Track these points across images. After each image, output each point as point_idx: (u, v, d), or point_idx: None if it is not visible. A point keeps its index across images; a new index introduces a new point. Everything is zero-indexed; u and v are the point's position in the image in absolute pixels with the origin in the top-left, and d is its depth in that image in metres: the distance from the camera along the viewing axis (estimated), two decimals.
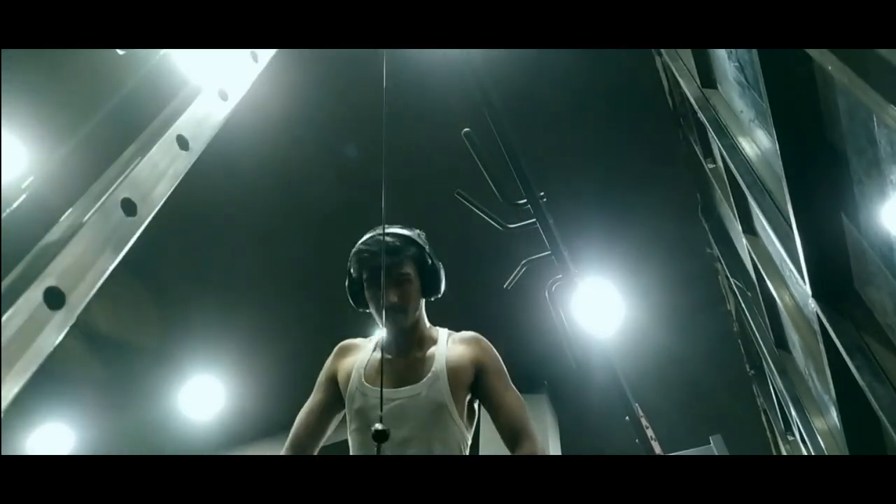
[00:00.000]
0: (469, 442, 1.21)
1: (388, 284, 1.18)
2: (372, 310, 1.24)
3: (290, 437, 1.23)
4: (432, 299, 1.29)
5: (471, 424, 1.23)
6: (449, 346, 1.24)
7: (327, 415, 1.25)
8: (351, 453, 1.19)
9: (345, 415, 1.23)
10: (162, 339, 4.16)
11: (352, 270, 1.25)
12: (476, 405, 1.26)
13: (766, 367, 3.31)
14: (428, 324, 1.29)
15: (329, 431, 1.25)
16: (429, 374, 1.17)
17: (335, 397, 1.24)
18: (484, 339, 1.28)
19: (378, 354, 1.22)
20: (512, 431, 1.17)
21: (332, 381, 1.26)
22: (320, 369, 1.30)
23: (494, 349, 1.28)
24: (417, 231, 1.28)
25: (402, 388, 1.16)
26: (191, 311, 4.07)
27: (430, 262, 1.25)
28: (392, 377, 1.17)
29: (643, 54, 3.11)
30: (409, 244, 1.23)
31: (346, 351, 1.29)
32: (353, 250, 1.25)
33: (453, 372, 1.19)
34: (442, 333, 1.28)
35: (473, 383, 1.21)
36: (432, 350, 1.22)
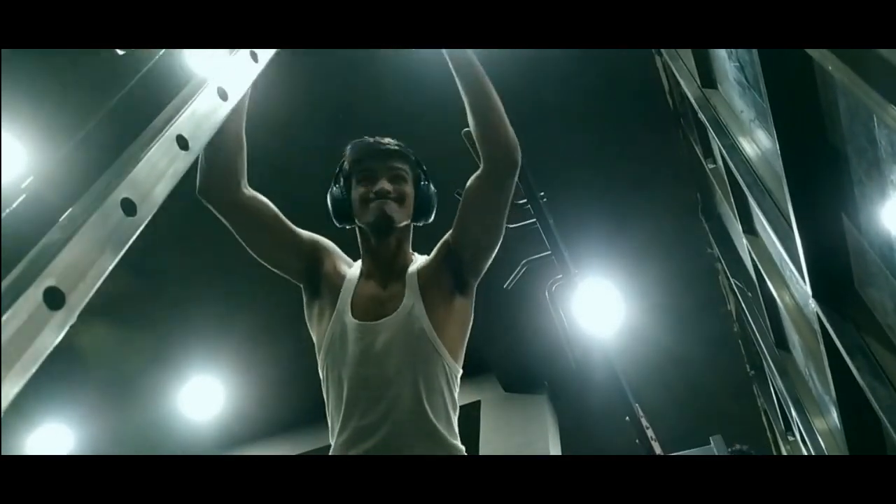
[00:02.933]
0: (459, 372, 1.08)
1: (384, 173, 1.09)
2: (358, 208, 1.10)
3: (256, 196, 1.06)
4: (420, 223, 1.18)
5: (461, 342, 1.09)
6: (422, 262, 1.13)
7: (287, 237, 1.10)
8: (325, 385, 1.08)
9: (290, 264, 1.11)
10: (161, 340, 4.16)
11: (340, 174, 1.14)
12: (472, 290, 1.12)
13: (767, 367, 3.31)
14: (410, 250, 1.17)
15: (267, 236, 1.09)
16: (404, 300, 1.07)
17: (303, 255, 1.11)
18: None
19: (361, 280, 1.11)
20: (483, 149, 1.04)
21: (316, 254, 1.13)
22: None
23: None
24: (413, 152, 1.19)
25: (382, 321, 1.05)
26: (191, 312, 4.07)
27: (424, 180, 1.15)
28: (372, 307, 1.07)
29: (643, 54, 3.11)
30: (408, 152, 1.15)
31: (341, 258, 1.17)
32: (349, 145, 1.14)
33: (426, 282, 1.08)
34: (419, 257, 1.17)
35: (451, 265, 1.09)
36: (408, 272, 1.11)
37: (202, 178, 1.02)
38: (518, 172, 1.08)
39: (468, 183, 1.09)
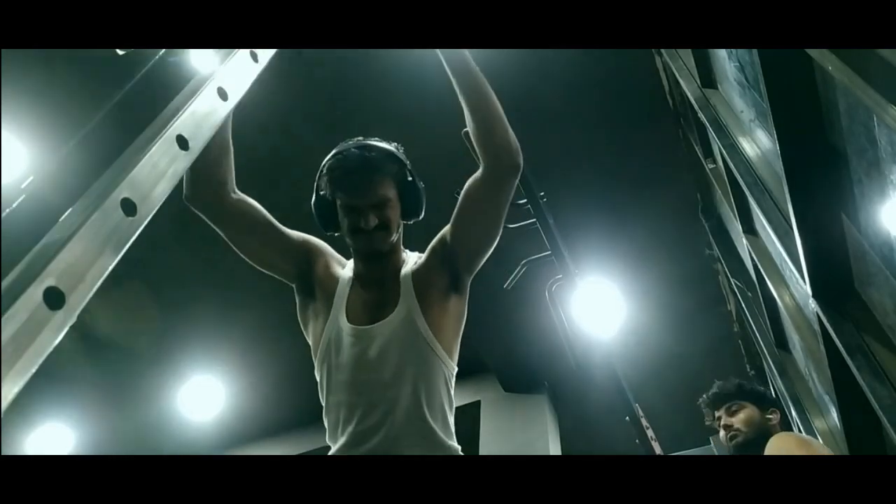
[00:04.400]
0: (454, 371, 1.08)
1: (367, 207, 1.04)
2: (346, 234, 1.08)
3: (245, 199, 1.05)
4: (411, 222, 1.15)
5: (455, 338, 1.09)
6: (416, 262, 1.11)
7: (276, 242, 1.08)
8: (322, 390, 1.07)
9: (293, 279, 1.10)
10: (161, 340, 4.16)
11: (321, 189, 1.09)
12: (467, 287, 1.12)
13: (767, 367, 3.31)
14: (402, 249, 1.15)
15: (256, 241, 1.07)
16: (399, 303, 1.05)
17: (294, 257, 1.09)
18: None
19: (355, 284, 1.10)
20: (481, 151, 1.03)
21: (307, 255, 1.11)
22: None
23: None
24: (395, 144, 1.12)
25: (377, 324, 1.04)
26: (190, 312, 4.06)
27: (410, 178, 1.10)
28: (368, 310, 1.06)
29: (643, 54, 3.11)
30: (389, 160, 1.07)
31: (333, 258, 1.15)
32: (325, 165, 1.08)
33: (421, 284, 1.06)
34: (411, 255, 1.15)
35: (447, 264, 1.08)
36: (402, 273, 1.10)
37: (188, 183, 1.00)
38: (518, 174, 1.07)
39: (468, 183, 1.08)
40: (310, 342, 1.13)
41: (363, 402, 1.01)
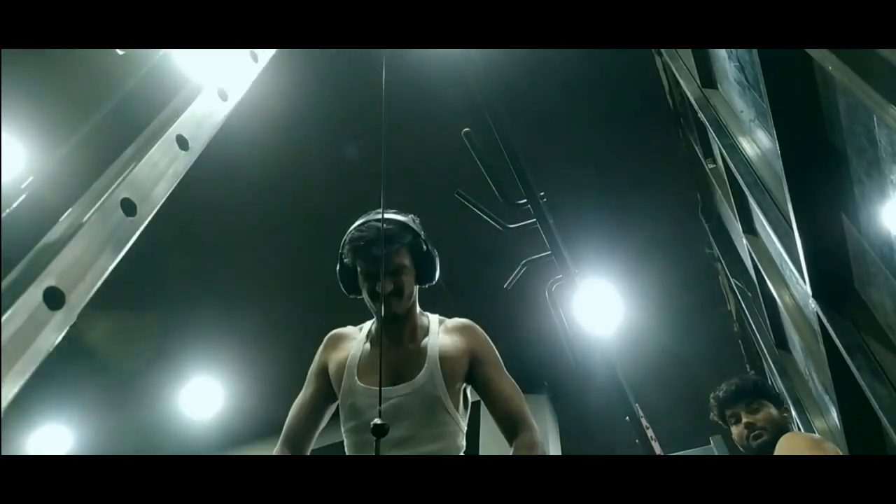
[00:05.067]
0: (465, 431, 1.20)
1: (384, 274, 1.16)
2: (365, 297, 1.20)
3: (285, 430, 1.22)
4: (426, 286, 1.26)
5: (466, 412, 1.22)
6: (441, 336, 1.21)
7: (321, 406, 1.22)
8: (346, 452, 1.18)
9: (337, 409, 1.22)
10: (161, 340, 4.16)
11: (344, 257, 1.21)
12: (470, 391, 1.24)
13: (767, 367, 3.31)
14: (419, 311, 1.26)
15: (323, 424, 1.23)
16: (423, 370, 1.15)
17: (327, 389, 1.22)
18: (476, 326, 1.26)
19: (370, 346, 1.20)
20: (509, 420, 1.16)
21: (324, 373, 1.24)
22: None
23: (487, 336, 1.25)
24: (412, 216, 1.25)
25: (398, 386, 1.13)
26: (190, 312, 4.06)
27: (425, 248, 1.22)
28: (386, 373, 1.14)
29: (643, 54, 3.11)
30: (405, 231, 1.20)
31: (336, 342, 1.26)
32: (347, 236, 1.20)
33: (447, 364, 1.17)
34: (433, 321, 1.25)
35: (468, 373, 1.20)
36: (425, 341, 1.20)
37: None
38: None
39: (489, 396, 1.19)
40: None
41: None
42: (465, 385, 1.21)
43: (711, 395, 1.67)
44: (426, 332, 1.22)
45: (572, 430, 4.68)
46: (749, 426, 1.53)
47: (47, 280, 0.40)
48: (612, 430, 3.44)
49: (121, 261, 0.44)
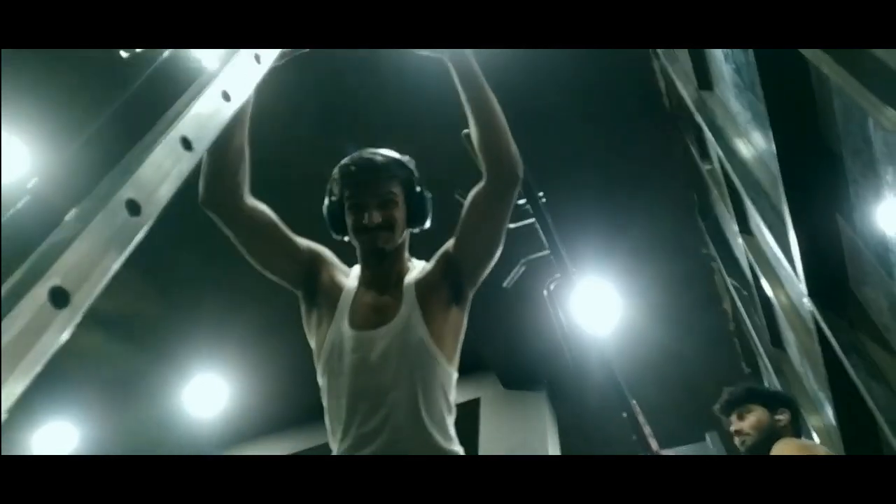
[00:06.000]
0: (455, 377, 1.10)
1: (372, 204, 1.08)
2: (350, 234, 1.12)
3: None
4: (416, 230, 1.17)
5: (456, 348, 1.11)
6: (420, 271, 1.13)
7: (286, 249, 1.10)
8: (324, 394, 1.09)
9: (294, 282, 1.12)
10: (166, 337, 4.15)
11: (333, 190, 1.14)
12: (468, 299, 1.14)
13: (763, 365, 3.33)
14: (407, 255, 1.17)
15: (271, 240, 1.09)
16: (401, 309, 1.07)
17: (301, 264, 1.11)
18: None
19: (357, 289, 1.12)
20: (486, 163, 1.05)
21: (314, 263, 1.13)
22: None
23: None
24: (408, 157, 1.17)
25: (378, 330, 1.06)
26: (194, 310, 4.06)
27: (418, 188, 1.14)
28: (369, 316, 1.08)
29: (640, 56, 3.12)
30: (397, 165, 1.13)
31: (339, 268, 1.17)
32: (338, 166, 1.14)
33: (423, 292, 1.08)
34: (417, 263, 1.17)
35: (450, 276, 1.10)
36: (406, 280, 1.11)
37: (205, 187, 1.02)
38: (519, 186, 1.10)
39: (470, 194, 1.10)
40: (313, 347, 1.14)
41: (363, 406, 1.03)
42: (457, 313, 1.11)
43: (715, 409, 1.74)
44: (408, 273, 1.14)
45: (571, 427, 4.70)
46: (737, 433, 1.61)
47: (52, 279, 0.40)
48: (609, 427, 3.45)
49: (126, 259, 0.44)
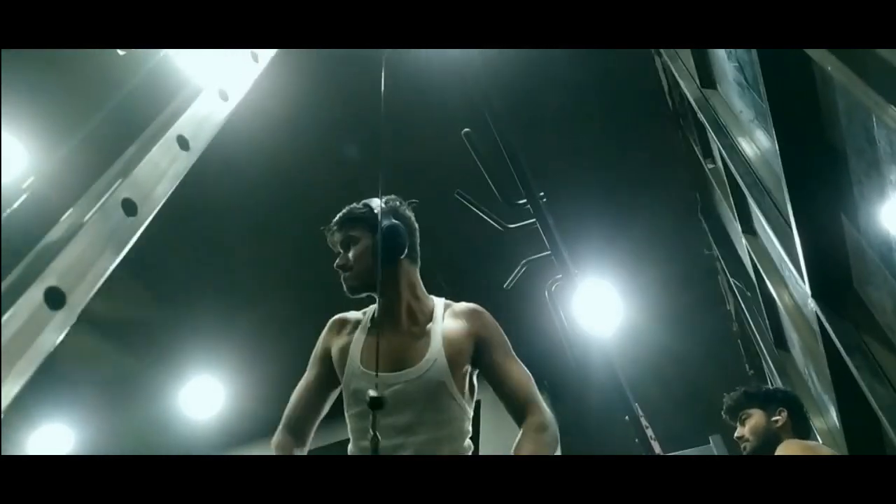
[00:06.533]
0: (471, 416, 1.18)
1: (338, 251, 1.20)
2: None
3: (286, 415, 1.19)
4: (399, 258, 1.19)
5: (472, 398, 1.19)
6: (446, 321, 1.17)
7: (323, 391, 1.20)
8: (351, 437, 1.15)
9: (341, 394, 1.20)
10: (162, 340, 4.16)
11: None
12: (476, 376, 1.21)
13: (766, 366, 3.32)
14: (421, 294, 1.21)
15: (325, 409, 1.21)
16: (426, 356, 1.12)
17: (330, 374, 1.20)
18: (483, 310, 1.22)
19: (370, 331, 1.18)
20: (518, 401, 1.14)
21: (327, 358, 1.21)
22: None
23: (494, 320, 1.23)
24: (394, 199, 1.24)
25: (401, 372, 1.10)
26: (191, 312, 4.06)
27: (385, 222, 1.18)
28: (389, 358, 1.11)
29: (643, 55, 3.11)
30: (363, 209, 1.22)
31: (340, 326, 1.24)
32: None
33: (452, 350, 1.13)
34: (438, 305, 1.21)
35: (474, 358, 1.17)
36: (429, 326, 1.16)
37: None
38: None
39: (504, 376, 1.17)
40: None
41: (387, 445, 1.05)
42: (471, 369, 1.19)
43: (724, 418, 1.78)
44: (430, 316, 1.18)
45: (572, 430, 4.68)
46: (739, 439, 1.64)
47: (48, 280, 0.40)
48: (612, 429, 3.44)
49: (122, 260, 0.44)
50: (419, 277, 1.24)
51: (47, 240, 0.43)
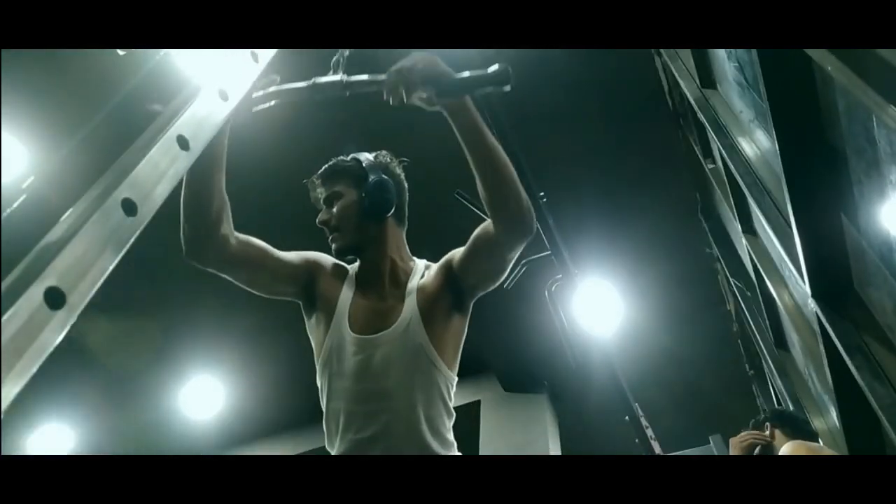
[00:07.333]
0: (454, 381, 1.09)
1: (322, 206, 1.13)
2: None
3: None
4: (386, 217, 1.12)
5: (456, 356, 1.10)
6: (424, 278, 1.11)
7: (281, 268, 1.09)
8: (322, 394, 1.08)
9: (304, 308, 1.13)
10: (162, 339, 4.16)
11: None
12: (469, 308, 1.12)
13: (766, 367, 3.32)
14: (406, 256, 1.14)
15: (264, 261, 1.08)
16: (402, 315, 1.06)
17: (299, 276, 1.10)
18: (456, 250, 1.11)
19: (353, 291, 1.11)
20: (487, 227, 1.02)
21: (311, 271, 1.12)
22: None
23: None
24: (378, 153, 1.16)
25: (380, 335, 1.05)
26: (191, 311, 4.07)
27: (370, 176, 1.11)
28: (370, 320, 1.07)
29: (642, 54, 3.11)
30: (350, 161, 1.13)
31: (334, 269, 1.16)
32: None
33: (425, 300, 1.06)
34: (419, 264, 1.14)
35: (450, 283, 1.08)
36: (409, 286, 1.09)
37: (188, 243, 1.01)
38: (531, 236, 1.03)
39: (479, 230, 1.05)
40: (314, 348, 1.13)
41: (363, 410, 1.02)
42: (458, 319, 1.09)
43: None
44: (410, 276, 1.11)
45: (572, 430, 4.68)
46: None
47: (48, 280, 0.40)
48: (612, 429, 3.44)
49: (122, 260, 0.44)
50: (405, 241, 1.17)
51: (47, 239, 0.43)
